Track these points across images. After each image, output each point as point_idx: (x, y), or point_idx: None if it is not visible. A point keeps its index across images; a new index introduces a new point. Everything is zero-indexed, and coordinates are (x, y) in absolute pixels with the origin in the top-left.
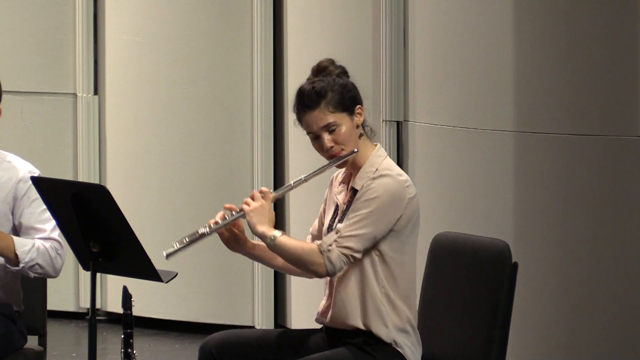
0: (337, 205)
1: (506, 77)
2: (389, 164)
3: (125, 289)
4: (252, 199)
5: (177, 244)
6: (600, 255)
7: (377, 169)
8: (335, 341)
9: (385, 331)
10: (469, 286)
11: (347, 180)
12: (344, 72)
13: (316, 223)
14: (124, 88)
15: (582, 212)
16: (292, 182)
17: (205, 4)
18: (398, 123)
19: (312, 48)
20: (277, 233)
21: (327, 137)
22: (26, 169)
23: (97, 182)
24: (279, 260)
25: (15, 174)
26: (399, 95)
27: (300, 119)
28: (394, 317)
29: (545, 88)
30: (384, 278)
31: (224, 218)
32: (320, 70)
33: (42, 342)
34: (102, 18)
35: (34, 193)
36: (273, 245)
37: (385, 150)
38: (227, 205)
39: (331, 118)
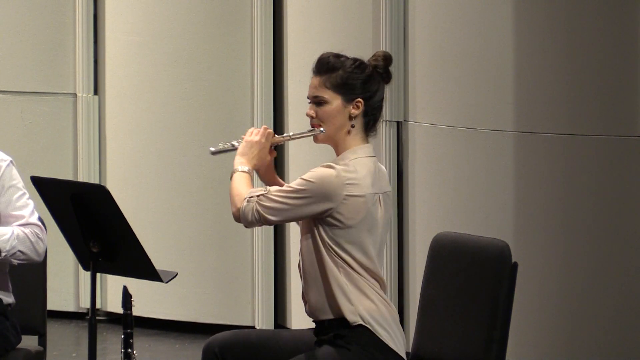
0: None
1: (506, 77)
2: (356, 164)
3: (125, 289)
4: (257, 134)
5: (225, 143)
6: (600, 255)
7: (338, 163)
8: (317, 336)
9: (350, 308)
10: (468, 286)
11: None
12: (375, 68)
13: None
14: (124, 88)
15: (582, 212)
16: (284, 135)
17: (205, 4)
18: (398, 123)
19: (312, 48)
20: (240, 167)
21: (311, 108)
22: None
23: (97, 182)
24: None
25: None
26: (399, 95)
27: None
28: (359, 295)
29: (545, 88)
30: (343, 264)
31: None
32: (373, 57)
33: (42, 342)
34: (102, 18)
35: (7, 181)
36: (231, 177)
37: (386, 151)
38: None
39: (324, 93)
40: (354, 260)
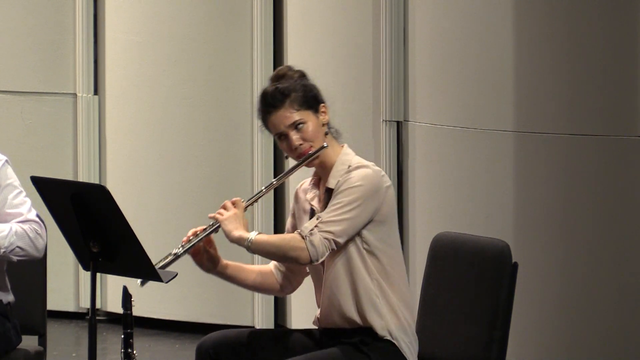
0: (312, 211)
1: (506, 77)
2: (360, 159)
3: (125, 289)
4: (225, 209)
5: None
6: (601, 255)
7: (349, 165)
8: (331, 342)
9: (380, 322)
10: (468, 286)
11: (316, 186)
12: (303, 75)
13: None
14: (124, 88)
15: (582, 212)
16: (263, 188)
17: (205, 4)
18: (398, 123)
19: (312, 48)
20: (253, 233)
21: (294, 136)
22: None
23: (97, 182)
24: (250, 280)
25: None
26: (399, 95)
27: (265, 121)
28: (389, 310)
29: (545, 88)
30: (376, 270)
31: (196, 235)
32: (279, 77)
33: (42, 342)
34: (102, 18)
35: (3, 180)
36: (251, 245)
37: (386, 151)
38: (195, 230)
39: (297, 116)
40: (391, 264)
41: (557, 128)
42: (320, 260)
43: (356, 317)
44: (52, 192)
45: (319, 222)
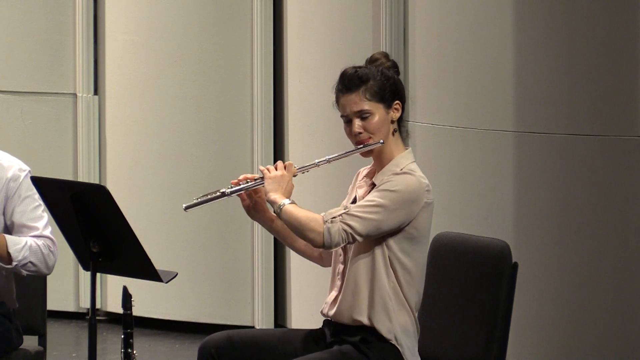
0: (355, 198)
1: (506, 77)
2: (415, 167)
3: (125, 289)
4: (276, 168)
5: (197, 198)
6: (600, 255)
7: (401, 169)
8: (337, 335)
9: (388, 326)
10: (469, 286)
11: (371, 175)
12: (393, 67)
13: None
14: (124, 88)
15: (581, 212)
16: (316, 161)
17: (205, 4)
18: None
19: (312, 48)
20: (286, 201)
21: (357, 123)
22: (16, 167)
23: (97, 182)
24: (290, 238)
25: (4, 173)
26: None
27: (337, 100)
28: (400, 314)
29: (544, 88)
30: (394, 274)
31: (245, 181)
32: (372, 61)
33: (42, 342)
34: (102, 18)
35: (25, 191)
36: (280, 212)
37: None
38: (249, 176)
39: (366, 105)
40: (411, 273)
41: (557, 128)
42: (328, 248)
43: (364, 319)
44: (52, 192)
45: (344, 212)
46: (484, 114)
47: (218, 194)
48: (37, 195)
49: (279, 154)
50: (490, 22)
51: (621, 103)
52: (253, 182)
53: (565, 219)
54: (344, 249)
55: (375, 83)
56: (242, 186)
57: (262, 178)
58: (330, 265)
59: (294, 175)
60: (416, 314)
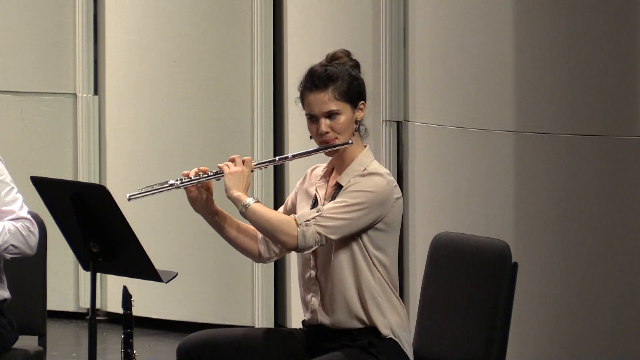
0: (315, 199)
1: (506, 77)
2: (378, 165)
3: (125, 289)
4: (233, 162)
5: (143, 188)
6: (601, 255)
7: (365, 168)
8: (335, 341)
9: (382, 320)
10: (469, 286)
11: (328, 175)
12: (357, 66)
13: (281, 209)
14: (124, 88)
15: (582, 212)
16: (276, 158)
17: (205, 4)
18: (398, 123)
19: (312, 48)
20: (251, 200)
21: (324, 122)
22: None
23: (97, 182)
24: (232, 233)
25: None
26: (399, 95)
27: (303, 97)
28: (390, 308)
29: (545, 88)
30: (376, 269)
31: (197, 175)
32: (334, 58)
33: (42, 342)
34: (102, 18)
35: None
36: (245, 211)
37: (386, 151)
38: (202, 168)
39: (334, 105)
40: (390, 265)
41: (557, 128)
42: (302, 251)
43: (363, 315)
44: (52, 192)
45: (317, 215)
46: (484, 114)
47: (166, 185)
48: (8, 179)
49: (278, 154)
50: (490, 22)
51: (622, 103)
52: (207, 176)
53: (566, 219)
54: (314, 254)
55: (344, 83)
56: (194, 179)
57: (216, 173)
58: (265, 263)
59: (252, 171)
60: (404, 306)
